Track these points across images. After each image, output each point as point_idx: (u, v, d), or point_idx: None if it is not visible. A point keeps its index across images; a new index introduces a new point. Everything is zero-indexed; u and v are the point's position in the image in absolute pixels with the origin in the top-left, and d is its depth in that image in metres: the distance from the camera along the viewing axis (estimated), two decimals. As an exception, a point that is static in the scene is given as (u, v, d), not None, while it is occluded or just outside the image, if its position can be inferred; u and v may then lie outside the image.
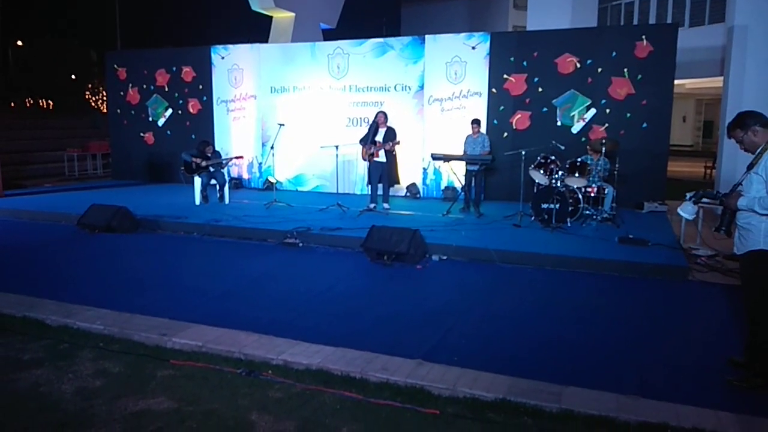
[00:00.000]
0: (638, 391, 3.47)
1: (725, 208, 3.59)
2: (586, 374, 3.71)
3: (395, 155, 9.40)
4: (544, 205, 8.13)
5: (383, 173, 9.28)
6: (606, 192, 8.62)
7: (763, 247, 3.39)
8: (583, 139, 9.96)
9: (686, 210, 4.23)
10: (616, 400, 3.35)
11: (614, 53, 9.87)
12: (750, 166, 3.47)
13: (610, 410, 3.23)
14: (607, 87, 9.95)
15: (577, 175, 8.26)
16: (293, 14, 16.19)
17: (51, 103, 40.26)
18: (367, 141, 9.22)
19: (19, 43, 40.28)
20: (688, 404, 3.32)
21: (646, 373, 3.77)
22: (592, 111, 10.09)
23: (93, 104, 42.37)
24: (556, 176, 8.36)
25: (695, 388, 3.57)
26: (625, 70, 9.81)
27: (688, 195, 4.05)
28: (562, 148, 9.05)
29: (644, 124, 9.80)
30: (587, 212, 8.45)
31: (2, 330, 4.52)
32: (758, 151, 3.43)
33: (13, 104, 34.62)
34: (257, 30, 17.69)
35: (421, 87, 11.22)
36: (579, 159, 8.57)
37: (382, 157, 9.20)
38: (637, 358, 4.01)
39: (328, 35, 17.23)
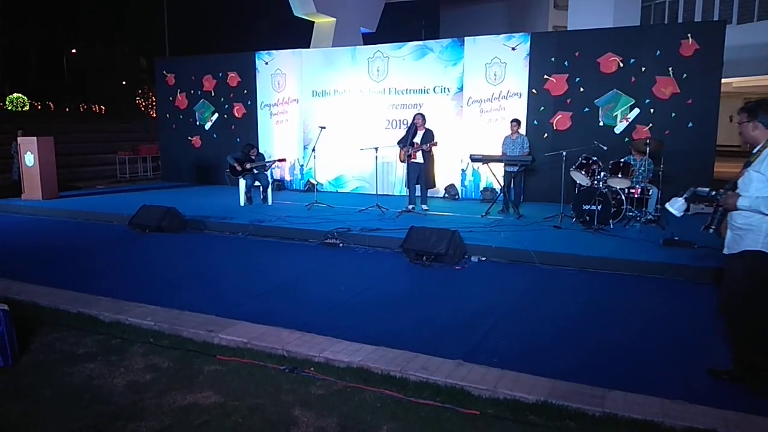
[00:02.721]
0: (684, 395, 3.41)
1: (718, 207, 3.46)
2: (630, 378, 3.66)
3: (432, 157, 9.42)
4: (586, 207, 8.02)
5: (421, 174, 9.32)
6: (650, 193, 8.43)
7: (762, 248, 3.27)
8: (627, 139, 9.77)
9: (674, 206, 3.78)
10: (660, 405, 3.29)
11: (658, 52, 9.65)
12: (747, 164, 3.34)
13: (655, 415, 3.18)
14: (652, 86, 9.73)
15: (620, 176, 8.11)
16: (334, 19, 16.40)
17: (103, 108, 41.70)
18: (406, 143, 9.28)
19: (74, 51, 41.91)
20: (737, 410, 3.24)
21: (692, 378, 3.69)
22: (636, 111, 9.89)
23: (143, 109, 43.70)
24: (599, 177, 8.23)
25: (743, 394, 3.48)
26: (670, 69, 9.58)
27: (683, 193, 3.74)
28: (605, 148, 8.91)
29: (690, 124, 9.55)
30: (630, 214, 8.29)
31: (58, 325, 4.72)
32: (758, 148, 3.31)
33: (67, 109, 35.99)
34: (300, 36, 17.97)
35: (461, 89, 11.21)
36: (622, 159, 8.42)
37: (419, 158, 9.23)
38: (682, 363, 3.93)
39: (368, 39, 17.39)
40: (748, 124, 3.33)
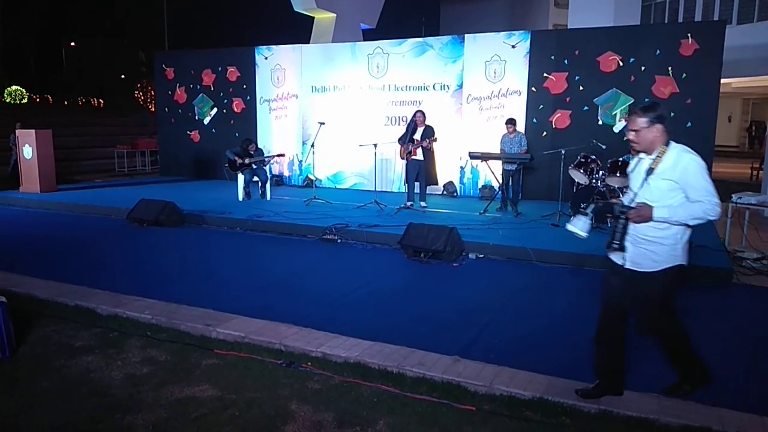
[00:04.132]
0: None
1: (621, 220, 3.11)
2: (628, 376, 3.67)
3: (433, 154, 9.42)
4: (584, 205, 8.02)
5: (420, 171, 9.32)
6: (648, 192, 8.44)
7: (682, 261, 3.11)
8: (625, 138, 9.75)
9: (579, 226, 3.34)
10: (657, 402, 3.33)
11: (658, 51, 9.66)
12: (649, 171, 3.06)
13: (651, 412, 3.21)
14: (651, 86, 9.74)
15: (618, 174, 8.11)
16: (334, 15, 16.36)
17: (102, 101, 41.65)
18: (405, 140, 9.28)
19: (72, 44, 41.82)
20: (732, 408, 3.27)
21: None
22: (636, 110, 9.89)
23: (141, 103, 43.66)
24: (597, 176, 8.24)
25: (739, 392, 3.51)
26: (670, 68, 9.59)
27: (584, 207, 3.32)
28: (604, 147, 8.91)
29: (688, 124, 9.56)
30: (629, 213, 8.29)
31: (55, 318, 4.73)
32: (656, 153, 3.07)
33: (66, 102, 35.94)
34: (299, 31, 17.93)
35: (460, 86, 11.21)
36: (621, 158, 8.42)
37: (419, 155, 9.24)
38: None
39: (368, 35, 17.36)
40: (649, 128, 3.06)
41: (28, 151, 11.16)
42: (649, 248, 3.09)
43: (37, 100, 34.93)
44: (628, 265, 3.18)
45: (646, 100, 9.77)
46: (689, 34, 9.49)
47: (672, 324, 3.29)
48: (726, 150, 26.51)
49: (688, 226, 3.05)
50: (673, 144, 3.08)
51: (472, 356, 3.93)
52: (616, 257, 3.24)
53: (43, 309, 4.93)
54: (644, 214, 3.03)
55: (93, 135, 18.88)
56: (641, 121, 3.08)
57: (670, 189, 3.00)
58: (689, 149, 3.06)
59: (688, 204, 2.98)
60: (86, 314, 4.84)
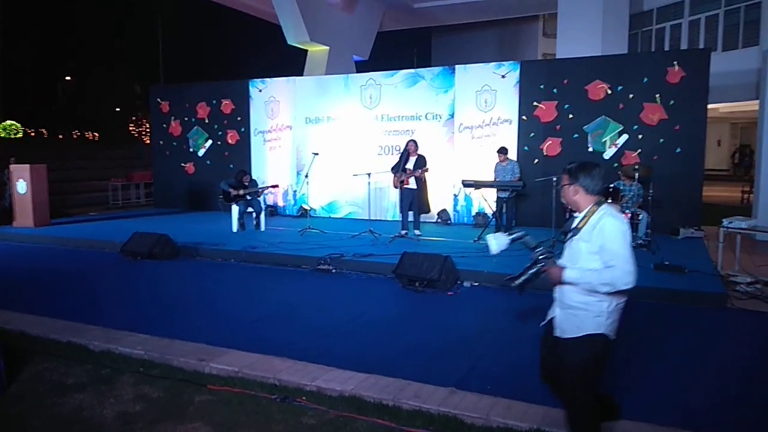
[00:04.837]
0: (676, 421, 3.42)
1: (536, 264, 2.96)
2: (623, 405, 3.65)
3: (425, 183, 9.49)
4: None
5: (414, 200, 9.37)
6: (640, 218, 8.51)
7: (603, 331, 2.85)
8: (615, 164, 9.88)
9: (498, 241, 3.13)
10: (651, 430, 3.30)
11: (645, 79, 9.84)
12: (575, 231, 2.90)
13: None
14: (639, 113, 9.89)
15: (610, 201, 8.19)
16: (327, 47, 16.64)
17: (96, 134, 41.81)
18: (398, 169, 9.36)
19: (68, 78, 42.17)
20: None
21: (685, 404, 3.70)
22: (624, 137, 10.03)
23: (136, 135, 43.86)
24: (589, 203, 8.29)
25: (737, 420, 3.49)
26: (657, 95, 9.75)
27: (512, 233, 3.12)
28: (595, 174, 8.98)
29: (678, 149, 9.68)
30: (622, 239, 8.32)
31: (47, 355, 4.68)
32: (583, 215, 2.89)
33: (61, 136, 36.07)
34: (293, 64, 18.19)
35: (452, 115, 11.35)
36: (612, 185, 8.51)
37: (412, 184, 9.30)
38: (676, 389, 3.94)
39: (361, 67, 17.63)
40: (569, 187, 2.93)
41: (22, 186, 11.16)
42: (574, 313, 2.89)
43: (32, 134, 35.07)
44: (556, 333, 3.01)
45: (635, 127, 9.92)
46: (675, 62, 9.69)
47: (585, 401, 2.95)
48: (716, 174, 26.80)
49: (605, 293, 2.79)
50: (604, 206, 2.87)
51: (468, 387, 3.91)
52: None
53: (35, 346, 4.88)
54: (554, 272, 2.89)
55: (87, 168, 18.93)
56: (564, 179, 2.99)
57: (589, 251, 2.81)
58: (615, 213, 2.85)
59: (600, 269, 2.77)
60: (78, 351, 4.78)
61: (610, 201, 8.14)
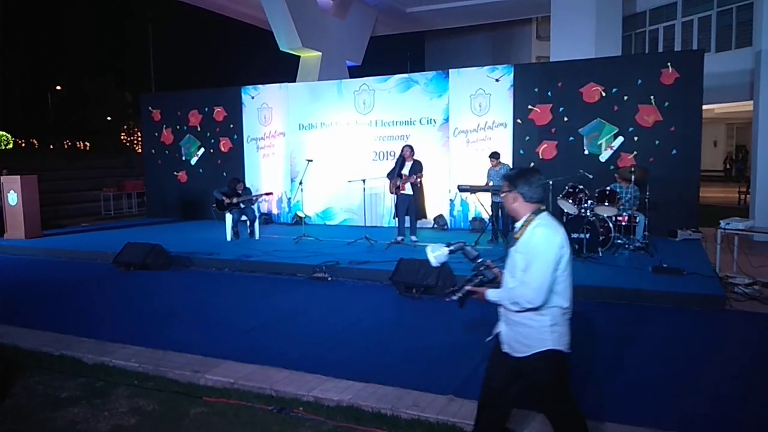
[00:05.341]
0: (678, 425, 3.38)
1: (476, 274, 2.88)
2: (623, 409, 3.62)
3: (422, 188, 9.44)
4: (574, 235, 8.04)
5: (410, 206, 9.32)
6: (637, 220, 8.49)
7: (552, 346, 2.70)
8: (612, 167, 9.87)
9: (436, 252, 3.01)
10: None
11: (640, 81, 9.84)
12: (513, 242, 2.80)
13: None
14: (634, 115, 9.89)
15: (606, 204, 8.17)
16: (320, 53, 16.60)
17: (88, 144, 41.66)
18: (394, 174, 9.31)
19: (58, 87, 42.04)
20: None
21: (685, 406, 3.67)
22: (620, 139, 10.02)
23: (128, 144, 43.73)
24: (586, 205, 8.29)
25: (736, 422, 3.45)
26: (652, 97, 9.75)
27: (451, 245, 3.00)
28: (590, 177, 8.98)
29: (674, 151, 9.68)
30: (619, 241, 8.32)
31: (40, 368, 4.61)
32: (521, 223, 2.77)
33: (52, 146, 35.92)
34: (286, 70, 18.17)
35: (446, 120, 11.32)
36: (608, 188, 8.50)
37: (408, 190, 9.25)
38: (675, 392, 3.90)
39: (354, 72, 17.61)
40: (508, 195, 2.81)
41: (13, 198, 11.06)
42: (518, 329, 2.76)
43: (23, 144, 34.91)
44: (505, 349, 2.86)
45: (630, 129, 9.92)
46: (669, 64, 9.69)
47: (564, 411, 2.82)
48: (712, 175, 26.91)
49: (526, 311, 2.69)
50: (542, 215, 2.74)
51: (467, 394, 3.84)
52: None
53: (28, 359, 4.81)
54: (479, 295, 2.81)
55: (79, 178, 18.81)
56: (504, 186, 2.87)
57: (521, 261, 2.69)
58: (550, 224, 2.71)
59: (513, 287, 2.69)
60: (72, 364, 4.72)
61: (606, 203, 8.13)
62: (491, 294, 2.76)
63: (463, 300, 2.86)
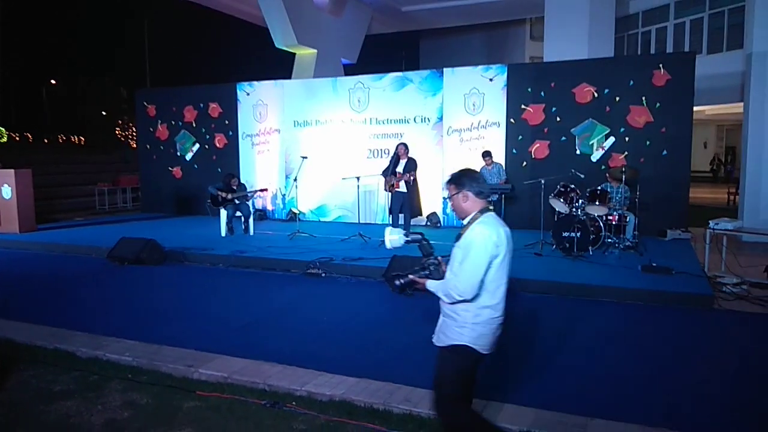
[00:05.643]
0: (665, 422, 3.44)
1: (425, 265, 2.88)
2: (611, 405, 3.68)
3: (417, 186, 9.49)
4: (566, 234, 8.12)
5: (404, 203, 9.37)
6: (628, 220, 8.58)
7: (467, 342, 2.73)
8: (603, 167, 9.96)
9: (393, 234, 3.08)
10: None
11: (632, 82, 9.93)
12: (458, 236, 2.81)
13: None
14: (626, 115, 9.98)
15: (597, 203, 8.25)
16: (315, 51, 16.62)
17: (83, 139, 41.44)
18: (389, 172, 9.36)
19: (53, 81, 41.80)
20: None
21: (673, 404, 3.73)
22: (611, 139, 10.11)
23: (123, 140, 43.52)
24: (577, 204, 8.37)
25: (724, 420, 3.52)
26: (643, 98, 9.84)
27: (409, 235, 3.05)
28: (582, 176, 9.07)
29: (664, 152, 9.77)
30: (609, 240, 8.41)
31: (34, 362, 4.63)
32: (467, 220, 2.80)
33: (46, 140, 35.72)
34: (281, 67, 18.16)
35: (440, 118, 11.38)
36: (599, 187, 8.58)
37: (402, 187, 9.30)
38: (663, 389, 3.97)
39: (349, 70, 17.62)
40: (457, 196, 2.82)
41: (7, 191, 11.04)
42: (447, 321, 2.82)
43: (17, 138, 34.70)
44: (434, 339, 2.92)
45: (621, 129, 10.00)
46: (661, 65, 9.78)
47: (454, 416, 2.84)
48: (702, 176, 27.11)
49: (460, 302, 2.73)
50: (489, 214, 2.79)
51: (458, 390, 3.91)
52: None
53: (22, 353, 4.82)
54: (420, 282, 2.85)
55: (74, 173, 18.72)
56: (450, 190, 2.88)
57: (460, 259, 2.72)
58: (490, 222, 2.74)
59: (448, 279, 2.73)
60: (65, 357, 4.74)
61: (597, 203, 8.21)
62: (430, 284, 2.81)
63: (404, 287, 2.91)
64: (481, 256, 2.66)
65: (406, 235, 3.06)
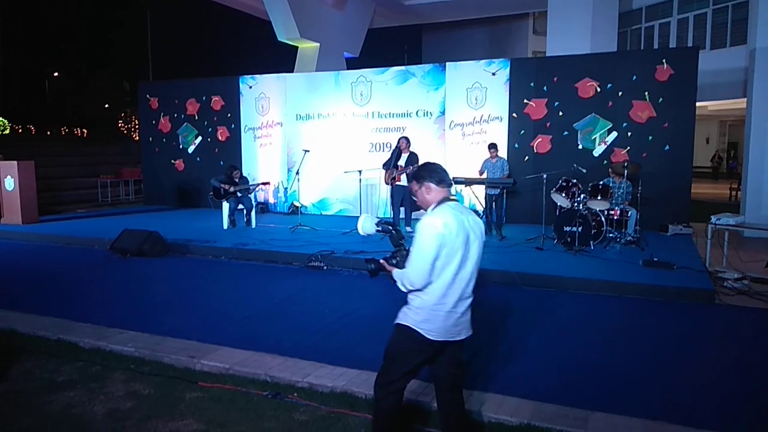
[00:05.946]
0: (665, 416, 3.46)
1: (395, 253, 2.93)
2: (612, 399, 3.70)
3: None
4: (567, 228, 8.13)
5: (405, 197, 9.39)
6: (629, 215, 8.58)
7: (410, 323, 2.80)
8: (605, 162, 9.95)
9: (368, 224, 3.16)
10: (642, 426, 3.34)
11: (635, 77, 9.90)
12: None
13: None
14: (628, 110, 9.96)
15: (599, 198, 8.25)
16: (318, 44, 16.58)
17: (85, 131, 41.46)
18: (390, 165, 9.36)
19: (56, 74, 41.80)
20: (716, 430, 3.30)
21: (674, 398, 3.75)
22: (614, 134, 10.09)
23: (125, 132, 43.55)
24: (579, 199, 8.37)
25: (722, 413, 3.54)
26: (646, 93, 9.82)
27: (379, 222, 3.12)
28: (584, 171, 9.06)
29: (666, 147, 9.76)
30: (611, 235, 8.42)
31: (37, 352, 4.66)
32: (429, 210, 2.83)
33: (49, 133, 35.74)
34: (284, 60, 18.13)
35: (443, 112, 11.36)
36: (601, 182, 8.58)
37: (404, 181, 9.31)
38: (663, 383, 3.98)
39: (352, 64, 17.59)
40: (419, 190, 2.85)
41: (9, 183, 11.07)
42: (408, 305, 2.89)
43: (20, 130, 34.72)
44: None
45: (624, 124, 9.99)
46: (664, 60, 9.76)
47: (377, 391, 2.93)
48: (704, 171, 27.07)
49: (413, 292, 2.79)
50: (447, 203, 2.79)
51: (459, 382, 3.92)
52: None
53: (25, 344, 4.85)
54: (389, 269, 2.87)
55: (76, 165, 18.75)
56: (413, 186, 2.92)
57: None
58: (445, 213, 2.72)
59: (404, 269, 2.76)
60: (68, 348, 4.76)
61: (599, 197, 8.21)
62: (395, 273, 2.83)
63: (374, 272, 2.96)
64: (426, 244, 2.65)
65: (377, 224, 3.09)
